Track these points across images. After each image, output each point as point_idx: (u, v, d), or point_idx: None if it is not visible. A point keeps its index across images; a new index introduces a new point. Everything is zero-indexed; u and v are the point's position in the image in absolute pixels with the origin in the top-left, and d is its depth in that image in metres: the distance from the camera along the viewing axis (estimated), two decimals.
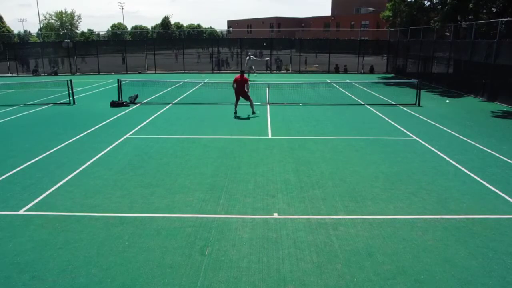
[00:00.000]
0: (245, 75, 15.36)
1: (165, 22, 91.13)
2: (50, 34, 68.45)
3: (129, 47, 37.88)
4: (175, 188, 7.83)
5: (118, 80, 18.59)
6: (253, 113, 15.17)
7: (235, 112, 15.37)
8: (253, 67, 29.77)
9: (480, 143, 11.09)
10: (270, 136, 12.06)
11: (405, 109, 16.71)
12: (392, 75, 32.77)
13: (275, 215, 6.67)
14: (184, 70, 35.49)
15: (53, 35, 67.75)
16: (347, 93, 21.23)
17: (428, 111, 16.14)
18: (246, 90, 14.99)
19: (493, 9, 22.92)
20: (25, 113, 16.00)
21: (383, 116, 15.11)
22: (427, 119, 14.47)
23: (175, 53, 38.41)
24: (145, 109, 16.53)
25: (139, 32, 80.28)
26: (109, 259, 5.36)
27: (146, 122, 14.03)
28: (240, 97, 15.24)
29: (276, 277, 4.96)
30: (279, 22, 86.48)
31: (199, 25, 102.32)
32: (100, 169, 8.95)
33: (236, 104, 15.45)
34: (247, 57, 30.75)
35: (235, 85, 15.13)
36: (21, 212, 6.81)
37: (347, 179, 8.35)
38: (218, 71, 36.01)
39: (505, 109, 16.80)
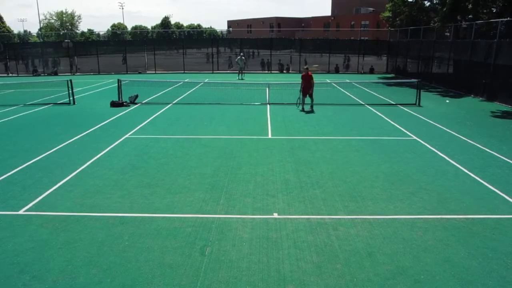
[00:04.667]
0: (310, 71, 16.61)
1: (165, 22, 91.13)
2: (50, 34, 68.51)
3: (129, 47, 37.90)
4: (175, 188, 7.83)
5: (118, 80, 18.59)
6: (311, 107, 16.35)
7: (303, 109, 16.22)
8: (243, 68, 29.45)
9: (480, 143, 11.09)
10: (270, 136, 12.06)
11: (405, 109, 16.72)
12: (392, 75, 32.78)
13: (275, 215, 6.67)
14: (184, 70, 35.48)
15: (53, 35, 67.79)
16: (347, 93, 21.23)
17: (428, 111, 16.14)
18: (312, 84, 16.10)
19: (493, 9, 22.92)
20: (25, 113, 16.00)
21: (383, 116, 15.11)
22: (427, 119, 14.47)
23: (203, 53, 38.17)
24: (145, 109, 16.53)
25: (139, 32, 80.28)
26: (109, 259, 5.36)
27: (146, 122, 14.03)
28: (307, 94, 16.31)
29: (276, 277, 4.96)
30: (279, 22, 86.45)
31: (199, 25, 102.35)
32: (100, 169, 8.95)
33: (303, 100, 16.31)
34: (238, 57, 30.56)
35: (302, 82, 16.22)
36: (21, 212, 6.81)
37: (347, 179, 8.35)
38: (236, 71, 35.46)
39: (505, 109, 16.80)
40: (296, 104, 16.75)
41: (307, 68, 17.10)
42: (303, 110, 16.02)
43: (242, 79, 28.25)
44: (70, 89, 18.20)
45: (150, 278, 4.96)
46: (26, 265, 5.25)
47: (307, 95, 16.24)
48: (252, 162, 9.45)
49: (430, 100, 18.84)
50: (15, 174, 8.67)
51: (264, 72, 35.66)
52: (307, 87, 16.12)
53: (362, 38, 42.82)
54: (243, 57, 30.48)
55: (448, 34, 25.99)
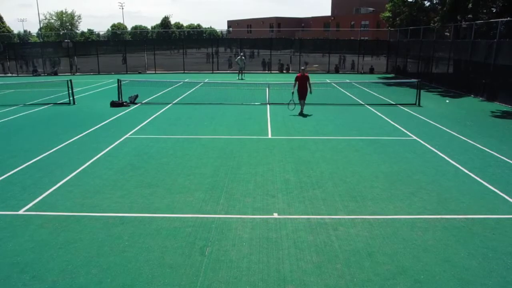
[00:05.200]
0: (306, 73, 15.60)
1: (165, 22, 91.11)
2: (50, 34, 68.42)
3: (129, 47, 37.89)
4: (175, 188, 7.83)
5: (118, 80, 18.60)
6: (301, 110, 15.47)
7: (301, 112, 15.40)
8: (243, 68, 29.32)
9: (480, 143, 11.09)
10: (270, 136, 12.06)
11: (405, 109, 16.72)
12: (392, 75, 32.79)
13: (275, 215, 6.67)
14: (184, 70, 35.49)
15: (53, 35, 67.72)
16: (347, 93, 21.23)
17: (428, 111, 16.14)
18: (308, 87, 15.17)
19: (493, 9, 22.92)
20: (25, 113, 16.00)
21: (383, 116, 15.11)
22: (427, 119, 14.47)
23: (206, 53, 38.35)
24: (145, 109, 16.53)
25: (139, 32, 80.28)
26: (109, 259, 5.36)
27: (146, 122, 14.03)
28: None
29: (276, 277, 4.96)
30: (279, 22, 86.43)
31: (199, 25, 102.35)
32: (100, 169, 8.95)
33: (301, 103, 15.47)
34: (238, 57, 30.49)
35: (297, 84, 15.25)
36: (21, 212, 6.81)
37: (347, 179, 8.35)
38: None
39: (505, 109, 16.80)
40: (288, 104, 15.70)
41: (303, 69, 15.97)
42: (301, 113, 15.25)
43: (242, 79, 28.23)
44: (70, 89, 18.20)
45: (150, 278, 4.96)
46: (26, 265, 5.24)
47: (301, 99, 15.36)
48: (252, 162, 9.45)
49: (430, 100, 18.84)
50: (15, 174, 8.67)
51: (264, 72, 35.67)
52: (304, 90, 15.18)
53: (362, 38, 42.82)
54: (243, 57, 30.42)
55: (448, 34, 26.00)
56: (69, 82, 18.39)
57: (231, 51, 40.07)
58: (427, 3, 29.23)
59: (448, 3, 22.83)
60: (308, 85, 15.22)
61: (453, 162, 9.44)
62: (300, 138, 11.75)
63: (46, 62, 36.19)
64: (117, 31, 78.61)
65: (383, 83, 26.28)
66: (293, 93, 15.48)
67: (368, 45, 37.71)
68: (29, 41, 58.92)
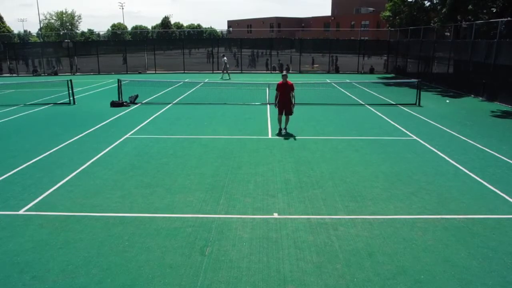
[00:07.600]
0: (289, 80, 12.15)
1: (165, 22, 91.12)
2: (50, 34, 68.43)
3: (129, 47, 37.90)
4: (175, 188, 7.83)
5: (118, 80, 18.59)
6: (285, 129, 12.25)
7: (281, 130, 12.24)
8: (227, 68, 29.87)
9: (480, 143, 11.09)
10: (270, 136, 12.06)
11: (405, 109, 16.71)
12: (392, 75, 32.78)
13: (275, 215, 6.67)
14: (184, 70, 35.49)
15: (53, 35, 67.73)
16: (347, 93, 21.23)
17: (428, 111, 16.14)
18: (292, 97, 12.09)
19: (493, 9, 22.92)
20: (25, 113, 16.00)
21: (383, 116, 15.10)
22: (427, 119, 14.47)
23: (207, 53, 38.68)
24: (145, 109, 16.53)
25: (139, 32, 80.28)
26: (109, 259, 5.36)
27: (146, 122, 14.03)
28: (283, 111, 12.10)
29: (276, 277, 4.96)
30: (279, 22, 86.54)
31: (199, 25, 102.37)
32: (100, 169, 8.95)
33: (280, 119, 12.30)
34: (223, 58, 30.64)
35: (278, 94, 12.10)
36: (21, 212, 6.81)
37: (347, 179, 8.35)
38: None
39: (505, 109, 16.80)
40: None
41: (286, 75, 12.08)
42: (280, 133, 12.10)
43: (221, 78, 28.81)
44: (70, 89, 18.19)
45: (150, 278, 4.96)
46: (26, 265, 5.25)
47: (284, 113, 12.11)
48: (252, 162, 9.45)
49: (430, 100, 18.83)
50: (15, 174, 8.67)
51: (265, 72, 35.69)
52: (285, 102, 11.97)
53: (362, 38, 42.83)
54: (225, 59, 30.51)
55: (448, 34, 25.99)
56: (69, 82, 18.39)
57: (227, 51, 40.35)
58: (427, 3, 29.25)
59: (448, 3, 22.82)
60: (291, 96, 12.05)
61: (453, 162, 9.44)
62: (300, 138, 11.75)
63: (46, 62, 36.17)
64: (117, 31, 78.63)
65: (383, 83, 26.27)
66: (276, 105, 12.27)
67: (368, 45, 37.70)
68: (29, 41, 58.86)
